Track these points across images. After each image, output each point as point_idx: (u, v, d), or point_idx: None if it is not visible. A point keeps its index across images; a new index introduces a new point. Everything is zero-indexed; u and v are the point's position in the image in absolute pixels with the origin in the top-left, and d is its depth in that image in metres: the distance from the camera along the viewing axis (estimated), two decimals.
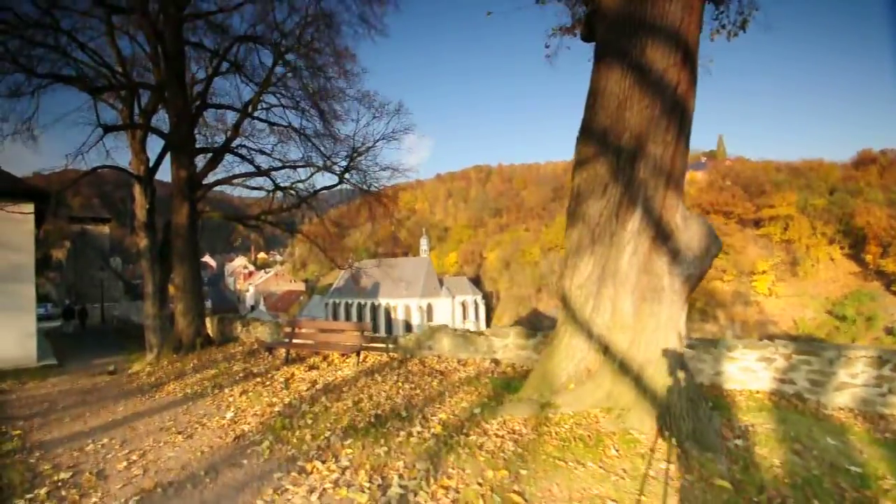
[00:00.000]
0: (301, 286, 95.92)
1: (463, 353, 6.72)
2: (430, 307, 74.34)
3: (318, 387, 5.68)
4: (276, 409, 4.95)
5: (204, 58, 10.66)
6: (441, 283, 75.46)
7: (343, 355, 6.96)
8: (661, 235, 4.04)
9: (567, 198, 4.61)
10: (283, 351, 7.52)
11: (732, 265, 69.30)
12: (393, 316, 75.41)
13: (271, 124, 10.82)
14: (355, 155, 10.94)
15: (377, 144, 11.92)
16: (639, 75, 4.03)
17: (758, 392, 4.93)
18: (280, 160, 11.68)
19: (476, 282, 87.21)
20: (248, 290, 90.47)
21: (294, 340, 7.56)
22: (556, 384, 4.28)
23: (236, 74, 10.36)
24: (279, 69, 9.98)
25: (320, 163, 10.85)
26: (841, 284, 58.63)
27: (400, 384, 5.42)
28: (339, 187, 13.45)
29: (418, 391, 5.09)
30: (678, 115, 4.01)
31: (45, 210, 15.65)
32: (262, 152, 11.41)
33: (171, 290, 15.69)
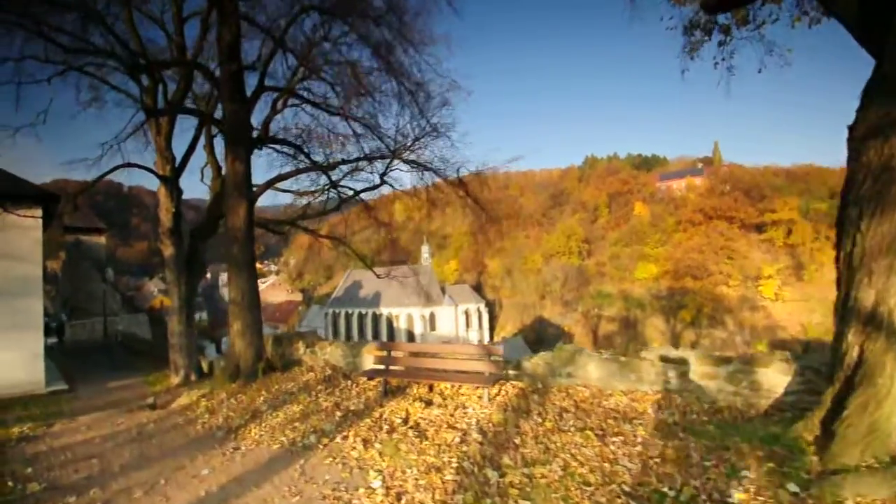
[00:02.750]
0: (298, 296, 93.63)
1: (619, 384, 5.36)
2: (432, 316, 72.85)
3: (471, 437, 4.27)
4: (446, 475, 3.53)
5: (253, 35, 9.30)
6: (443, 291, 74.04)
7: (476, 387, 5.51)
8: None
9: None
10: (378, 381, 6.09)
11: (738, 270, 69.14)
12: (395, 325, 73.70)
13: (328, 112, 9.38)
14: (428, 138, 9.49)
15: (426, 137, 10.59)
16: None
17: None
18: (312, 157, 10.22)
19: (477, 289, 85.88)
20: None
21: (390, 367, 6.13)
22: (892, 443, 2.95)
23: (285, 55, 8.96)
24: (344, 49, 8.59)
25: (390, 151, 9.42)
26: None
27: (588, 434, 4.04)
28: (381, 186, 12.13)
29: (636, 448, 3.70)
30: None
31: (54, 216, 14.07)
32: (292, 146, 9.82)
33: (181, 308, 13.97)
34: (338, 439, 4.60)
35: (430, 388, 6.03)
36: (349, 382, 6.67)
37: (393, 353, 6.32)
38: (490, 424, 4.53)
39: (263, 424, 5.35)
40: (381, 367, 6.12)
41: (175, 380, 11.69)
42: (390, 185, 12.98)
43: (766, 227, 71.95)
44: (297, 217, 13.84)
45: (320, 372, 7.27)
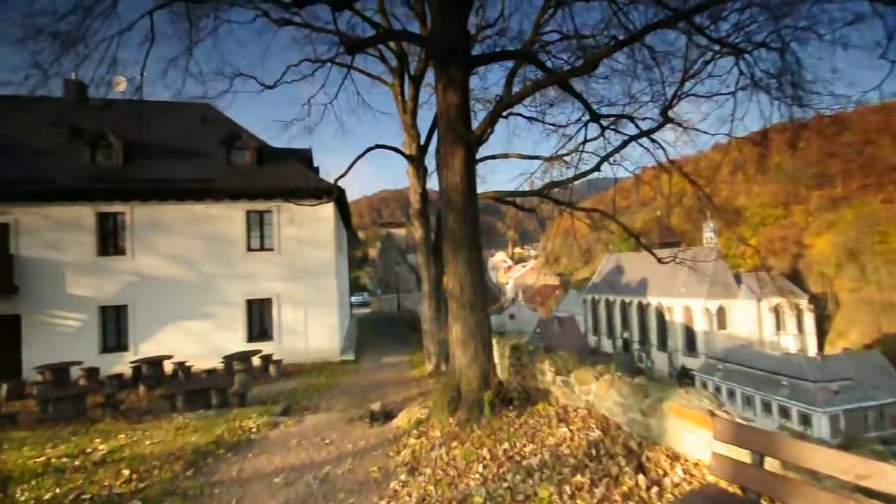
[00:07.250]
0: (555, 280, 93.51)
1: None
2: (721, 310, 57.49)
3: None
4: None
5: None
6: (738, 279, 57.25)
7: None
8: None
9: None
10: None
11: None
12: (668, 318, 62.22)
13: None
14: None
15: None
16: None
17: None
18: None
19: (793, 279, 62.93)
20: (507, 283, 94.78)
21: (766, 467, 2.30)
22: None
23: None
24: None
25: None
26: None
27: None
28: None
29: None
30: None
31: (343, 207, 16.32)
32: (529, 58, 6.27)
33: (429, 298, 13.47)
34: None
35: None
36: (639, 476, 3.21)
37: (766, 460, 2.40)
38: None
39: None
40: (739, 495, 2.36)
41: (428, 367, 11.50)
42: (678, 125, 8.49)
43: None
44: (545, 188, 11.17)
45: (579, 429, 4.10)
